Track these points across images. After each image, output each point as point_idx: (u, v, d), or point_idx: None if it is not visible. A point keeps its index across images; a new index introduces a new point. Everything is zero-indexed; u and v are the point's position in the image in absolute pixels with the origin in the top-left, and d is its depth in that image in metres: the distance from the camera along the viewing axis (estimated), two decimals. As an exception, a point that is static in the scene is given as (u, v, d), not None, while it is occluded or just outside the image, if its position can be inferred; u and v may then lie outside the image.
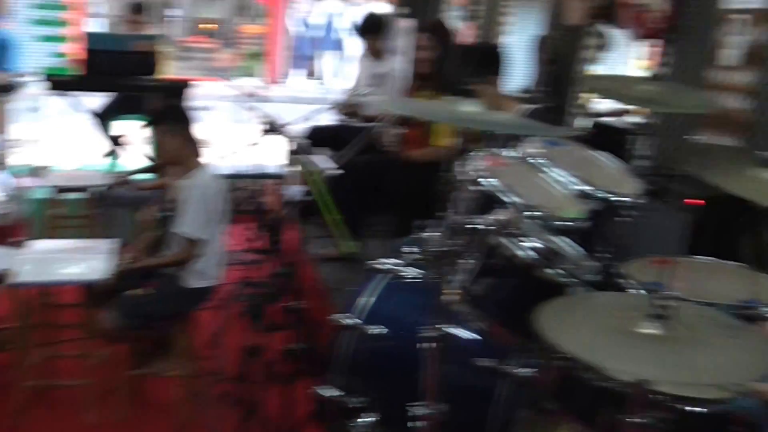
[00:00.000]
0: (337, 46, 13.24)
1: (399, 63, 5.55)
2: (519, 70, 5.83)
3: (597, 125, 5.12)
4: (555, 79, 5.29)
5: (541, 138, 2.64)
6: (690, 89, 3.65)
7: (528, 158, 2.52)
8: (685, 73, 4.00)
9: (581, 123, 5.12)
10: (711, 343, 1.49)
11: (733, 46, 3.60)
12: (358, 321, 2.38)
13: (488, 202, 2.16)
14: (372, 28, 5.47)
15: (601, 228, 2.58)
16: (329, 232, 3.59)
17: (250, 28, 14.17)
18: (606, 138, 4.86)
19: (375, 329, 2.38)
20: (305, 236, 4.94)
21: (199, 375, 3.49)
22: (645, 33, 4.23)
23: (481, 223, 1.97)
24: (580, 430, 1.91)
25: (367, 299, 2.48)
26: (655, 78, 2.97)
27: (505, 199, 2.16)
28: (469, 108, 1.67)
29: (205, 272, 3.38)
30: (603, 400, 1.81)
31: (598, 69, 5.24)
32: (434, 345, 1.81)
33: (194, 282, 3.35)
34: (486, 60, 3.34)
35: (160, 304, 3.30)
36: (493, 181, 2.19)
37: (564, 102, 5.33)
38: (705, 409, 1.77)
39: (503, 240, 1.92)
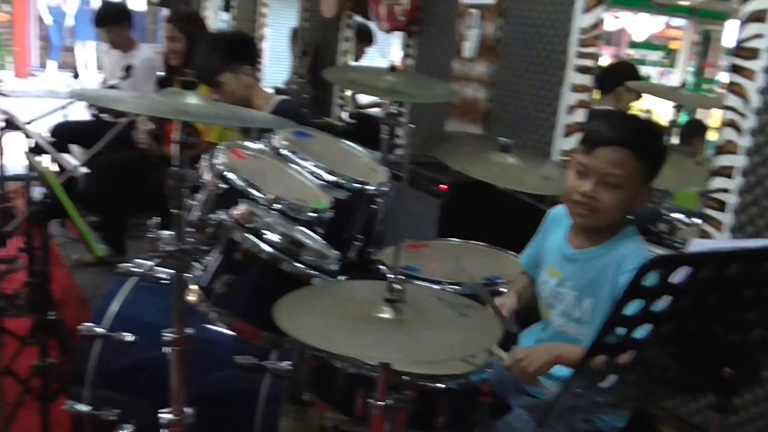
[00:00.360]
0: (95, 35, 12.53)
1: (149, 53, 5.35)
2: (278, 62, 5.87)
3: (359, 116, 5.26)
4: (311, 71, 5.37)
5: (291, 130, 2.66)
6: (432, 80, 3.84)
7: (276, 150, 2.53)
8: (430, 64, 4.21)
9: (343, 114, 5.24)
10: (441, 323, 1.56)
11: (470, 39, 3.82)
12: (104, 330, 2.26)
13: (232, 196, 2.13)
14: (109, 19, 5.19)
15: (352, 217, 2.65)
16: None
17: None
18: (366, 129, 5.03)
19: (124, 336, 2.27)
20: (60, 241, 4.68)
21: None
22: (394, 26, 4.39)
23: (223, 217, 1.94)
24: (337, 418, 1.95)
25: (115, 305, 2.36)
26: (394, 69, 3.07)
27: (248, 192, 2.15)
28: (192, 101, 1.62)
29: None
30: (355, 386, 1.86)
31: (356, 61, 5.39)
32: (177, 348, 1.75)
33: None
34: (234, 50, 3.25)
35: None
36: (236, 174, 2.17)
37: (323, 94, 5.42)
38: (450, 386, 1.88)
39: (246, 234, 1.90)
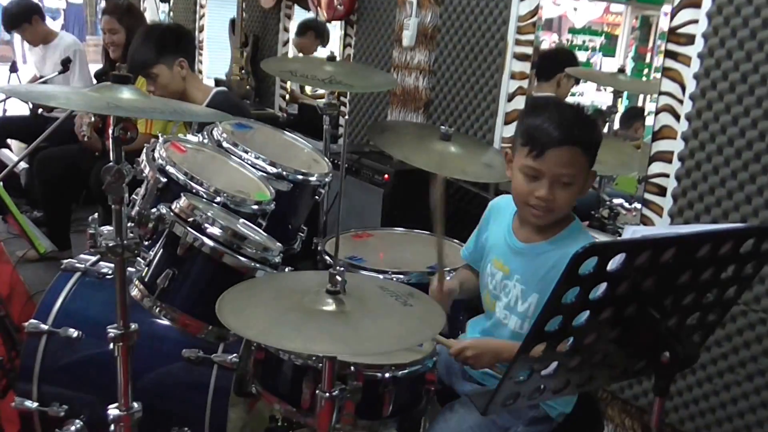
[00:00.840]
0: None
1: (71, 39, 5.23)
2: (218, 53, 5.80)
3: (300, 105, 5.23)
4: (251, 62, 5.32)
5: (231, 122, 2.64)
6: (371, 70, 3.84)
7: (217, 143, 2.51)
8: (370, 53, 4.21)
9: (283, 105, 5.21)
10: (384, 313, 1.57)
11: (409, 27, 3.82)
12: (49, 326, 2.23)
13: (173, 189, 2.11)
14: (17, 21, 5.07)
15: (295, 208, 2.65)
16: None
17: None
18: (307, 119, 5.01)
19: (69, 332, 2.25)
20: (2, 237, 4.56)
21: None
22: (333, 15, 4.37)
23: (163, 211, 1.91)
24: (285, 410, 1.95)
25: (60, 301, 2.33)
26: (333, 59, 3.06)
27: (189, 185, 2.13)
28: (126, 95, 1.59)
29: None
30: (302, 377, 1.86)
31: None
32: (121, 345, 1.73)
33: None
34: (168, 41, 3.20)
35: None
36: (176, 167, 2.14)
37: (262, 84, 5.38)
38: (397, 375, 1.89)
39: (187, 228, 1.88)
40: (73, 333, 2.25)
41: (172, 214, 1.89)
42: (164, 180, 2.09)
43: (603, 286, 1.28)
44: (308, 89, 5.51)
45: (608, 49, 4.50)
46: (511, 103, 3.32)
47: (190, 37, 3.34)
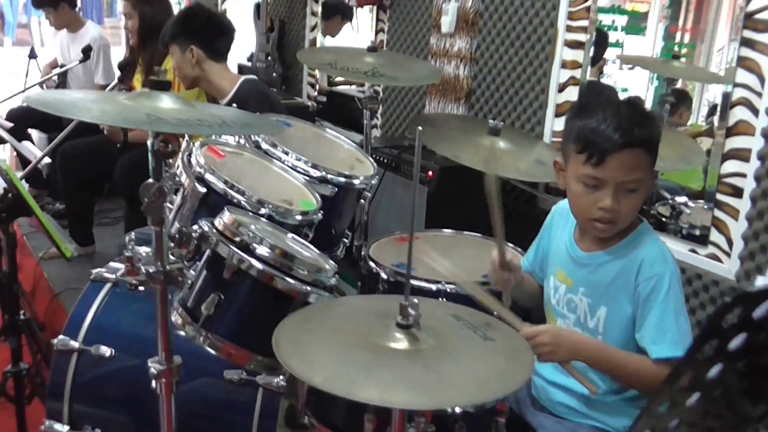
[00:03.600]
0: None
1: (97, 32, 5.07)
2: (242, 39, 5.58)
3: (329, 94, 5.02)
4: (277, 48, 5.11)
5: (270, 121, 2.45)
6: (413, 60, 3.63)
7: (256, 144, 2.32)
8: (405, 40, 3.99)
9: (312, 93, 5.00)
10: (465, 352, 1.38)
11: (448, 12, 3.61)
12: (80, 343, 2.07)
13: (213, 200, 1.92)
14: (45, 1, 4.93)
15: (340, 214, 2.46)
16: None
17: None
18: (338, 108, 4.81)
19: (101, 350, 2.08)
20: (26, 231, 4.43)
21: None
22: (365, 0, 4.15)
23: (206, 229, 1.72)
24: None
25: (90, 315, 2.17)
26: (375, 50, 2.86)
27: (230, 195, 1.94)
28: (167, 104, 1.39)
29: None
30: (362, 410, 1.67)
31: (332, 37, 5.15)
32: (164, 381, 1.55)
33: None
34: (187, 25, 3.04)
35: None
36: (215, 175, 1.95)
37: (290, 71, 5.17)
38: (467, 410, 1.70)
39: (232, 248, 1.69)
40: (105, 351, 2.10)
41: (215, 231, 1.70)
42: (203, 190, 1.90)
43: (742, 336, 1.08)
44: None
45: (635, 29, 4.25)
46: (562, 94, 3.09)
47: (216, 26, 3.14)
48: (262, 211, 1.94)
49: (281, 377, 1.97)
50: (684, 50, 3.71)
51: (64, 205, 4.34)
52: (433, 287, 2.28)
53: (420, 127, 1.34)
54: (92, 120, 1.26)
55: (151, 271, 1.46)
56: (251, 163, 2.23)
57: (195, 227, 1.71)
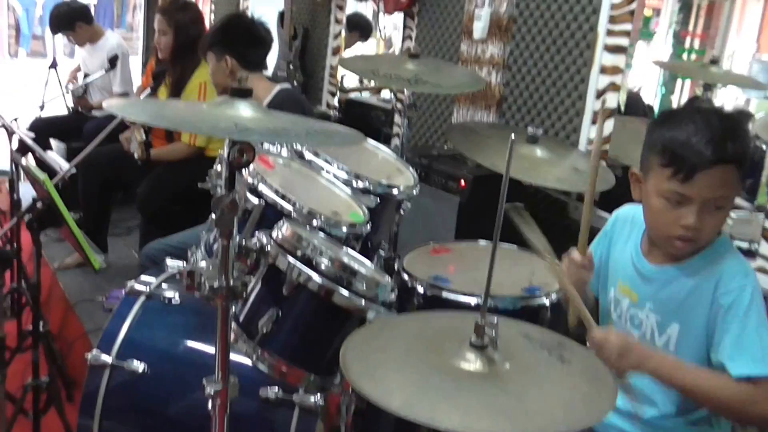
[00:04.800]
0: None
1: (117, 40, 5.02)
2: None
3: (348, 102, 4.97)
4: (300, 55, 5.06)
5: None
6: (454, 67, 3.56)
7: (299, 154, 2.25)
8: (435, 47, 3.93)
9: (333, 101, 4.94)
10: (544, 375, 1.31)
11: (480, 18, 3.54)
12: (113, 358, 1.99)
13: (265, 212, 1.85)
14: (62, 26, 4.92)
15: (379, 225, 2.38)
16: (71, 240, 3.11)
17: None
18: (356, 117, 4.74)
19: (134, 365, 2.01)
20: (42, 240, 4.37)
21: None
22: (394, 7, 4.08)
23: (264, 241, 1.65)
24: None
25: (122, 329, 2.09)
26: (416, 56, 2.79)
27: (283, 207, 1.87)
28: (248, 113, 1.32)
29: None
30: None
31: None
32: (219, 402, 1.47)
33: None
34: (224, 34, 3.02)
35: None
36: (268, 186, 1.88)
37: (310, 80, 5.11)
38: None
39: (292, 261, 1.61)
40: (139, 366, 2.02)
41: (274, 244, 1.62)
42: (261, 201, 1.82)
43: None
44: (348, 83, 5.25)
45: (643, 33, 4.19)
46: (601, 100, 3.02)
47: (252, 37, 3.10)
48: (314, 222, 1.87)
49: (319, 396, 1.88)
50: (693, 56, 3.65)
51: (80, 215, 4.27)
52: (472, 301, 2.21)
53: (513, 135, 1.26)
54: (175, 128, 1.19)
55: (215, 285, 1.39)
56: (299, 173, 2.16)
57: (254, 240, 1.64)
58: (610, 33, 2.96)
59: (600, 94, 3.01)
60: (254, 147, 1.28)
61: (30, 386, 2.61)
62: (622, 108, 3.10)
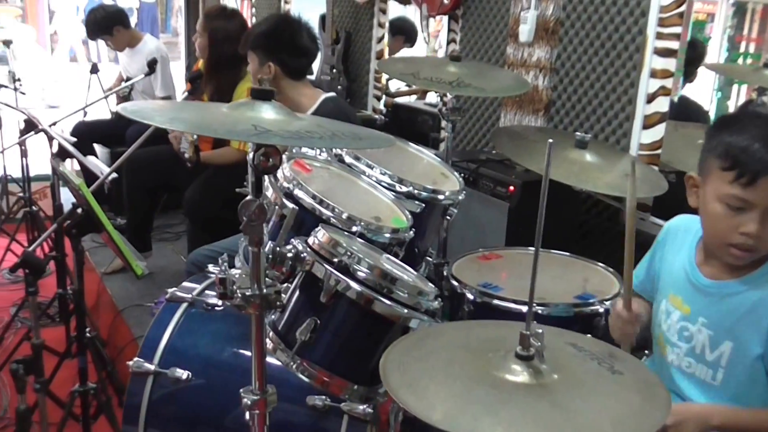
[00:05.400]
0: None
1: (155, 44, 5.06)
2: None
3: (394, 106, 4.93)
4: (343, 60, 5.03)
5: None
6: (498, 70, 3.50)
7: (339, 157, 2.22)
8: (479, 50, 3.87)
9: (378, 105, 4.90)
10: (593, 387, 1.25)
11: (526, 21, 3.48)
12: (152, 366, 1.98)
13: (302, 218, 1.82)
14: (98, 32, 4.94)
15: (425, 231, 2.34)
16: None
17: (5, 10, 12.83)
18: (403, 121, 4.70)
19: (175, 373, 1.99)
20: (88, 246, 4.42)
21: None
22: (437, 10, 4.04)
23: (300, 248, 1.62)
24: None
25: (164, 336, 2.09)
26: (458, 59, 2.74)
27: (321, 212, 1.83)
28: (270, 115, 1.29)
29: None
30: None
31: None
32: (258, 412, 1.44)
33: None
34: (266, 37, 2.96)
35: None
36: (306, 191, 1.85)
37: (354, 84, 5.09)
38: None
39: (329, 268, 1.58)
40: (182, 374, 2.01)
41: (310, 251, 1.59)
42: (291, 206, 1.79)
43: None
44: (392, 87, 5.22)
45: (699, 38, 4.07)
46: (651, 105, 2.94)
47: (298, 46, 3.04)
48: (354, 228, 1.83)
49: (368, 404, 1.85)
50: (749, 60, 3.53)
51: (125, 220, 4.31)
52: (524, 308, 2.15)
53: (551, 140, 1.21)
54: (192, 131, 1.16)
55: (247, 294, 1.36)
56: (338, 177, 2.13)
57: (288, 247, 1.61)
58: (659, 36, 2.88)
59: (650, 98, 2.93)
60: (280, 151, 1.25)
61: (77, 392, 2.62)
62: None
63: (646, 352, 2.04)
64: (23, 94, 4.91)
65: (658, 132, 2.94)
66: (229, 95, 3.70)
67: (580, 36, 3.23)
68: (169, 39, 13.75)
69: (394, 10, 4.91)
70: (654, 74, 2.92)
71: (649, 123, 2.96)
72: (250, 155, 1.29)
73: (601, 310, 2.21)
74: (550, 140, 1.19)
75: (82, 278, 2.61)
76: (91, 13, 5.02)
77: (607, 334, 2.18)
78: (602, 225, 3.18)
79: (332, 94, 3.05)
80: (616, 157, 2.86)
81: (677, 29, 2.84)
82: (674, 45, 2.86)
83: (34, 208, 4.59)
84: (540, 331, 1.26)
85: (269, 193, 1.88)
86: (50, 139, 3.24)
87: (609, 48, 3.10)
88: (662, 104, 2.92)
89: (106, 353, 3.37)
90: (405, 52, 5.23)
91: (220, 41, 3.76)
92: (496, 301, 2.23)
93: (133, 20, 14.01)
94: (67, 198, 2.90)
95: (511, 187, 2.97)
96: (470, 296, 2.28)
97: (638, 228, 2.98)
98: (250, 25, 4.32)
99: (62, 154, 3.26)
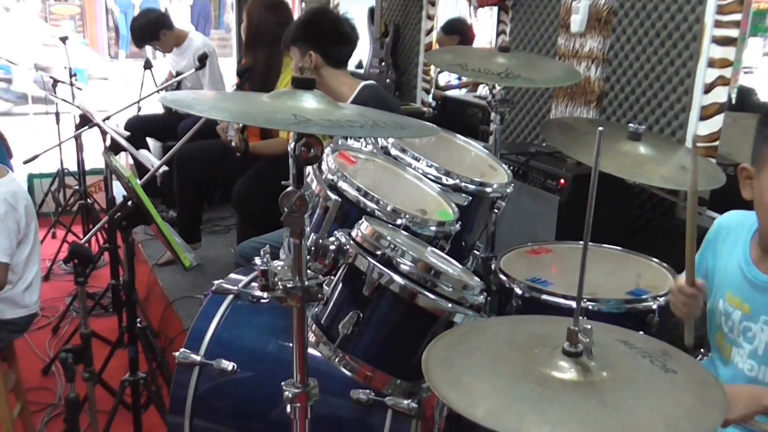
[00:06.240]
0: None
1: (201, 40, 5.08)
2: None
3: (443, 99, 4.88)
4: (391, 53, 5.00)
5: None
6: (548, 60, 3.44)
7: (385, 150, 2.19)
8: (529, 41, 3.80)
9: (427, 98, 4.86)
10: (645, 386, 1.20)
11: (578, 11, 3.40)
12: (198, 357, 1.99)
13: (346, 210, 1.80)
14: (145, 39, 4.96)
15: (473, 225, 2.30)
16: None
17: (64, 9, 13.11)
18: (452, 114, 4.65)
19: (221, 364, 1.99)
20: (140, 239, 4.48)
21: (29, 413, 3.09)
22: (486, 1, 3.98)
23: (343, 240, 1.59)
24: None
25: (210, 328, 2.08)
26: (507, 50, 2.68)
27: (365, 205, 1.81)
28: (312, 104, 1.26)
29: (16, 299, 2.84)
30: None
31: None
32: (299, 405, 1.42)
33: (5, 312, 2.81)
34: (305, 29, 2.96)
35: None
36: (350, 183, 1.82)
37: (403, 77, 5.06)
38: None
39: (372, 261, 1.55)
40: (227, 365, 2.01)
41: (353, 243, 1.56)
42: (335, 198, 1.77)
43: None
44: (441, 80, 5.18)
45: (759, 28, 3.92)
46: (709, 95, 2.85)
47: (338, 34, 3.03)
48: (398, 221, 1.80)
49: (412, 399, 1.82)
50: None
51: (176, 213, 4.36)
52: (573, 304, 2.10)
53: (601, 128, 1.16)
54: (233, 120, 1.14)
55: (289, 286, 1.34)
56: (383, 170, 2.10)
57: (331, 239, 1.59)
58: (718, 24, 2.78)
59: (708, 88, 2.84)
60: (322, 141, 1.22)
61: (128, 382, 2.66)
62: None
63: (702, 350, 1.98)
64: (79, 89, 5.00)
65: (715, 123, 2.85)
66: (266, 74, 3.75)
67: (634, 25, 3.14)
68: (222, 35, 13.90)
69: (444, 3, 4.86)
70: (712, 64, 2.82)
71: (706, 114, 2.87)
72: (291, 145, 1.26)
73: (655, 306, 2.14)
74: (600, 128, 1.15)
75: (134, 270, 2.63)
76: (135, 22, 5.04)
77: (660, 332, 2.12)
78: (656, 219, 3.09)
79: (371, 81, 3.03)
80: (671, 150, 2.78)
81: (737, 17, 2.74)
82: (734, 33, 2.76)
83: (89, 200, 4.68)
84: (589, 326, 1.21)
85: (313, 185, 1.86)
86: (104, 133, 3.29)
87: (664, 37, 3.01)
88: (720, 95, 2.82)
89: (157, 344, 3.41)
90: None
91: (258, 28, 3.78)
92: (545, 296, 2.19)
93: (186, 17, 14.19)
94: (119, 191, 2.94)
95: (562, 180, 2.91)
96: (518, 291, 2.24)
97: (681, 218, 2.93)
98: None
99: (115, 148, 3.31)
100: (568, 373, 1.20)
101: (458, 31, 5.08)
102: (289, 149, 1.28)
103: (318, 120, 1.21)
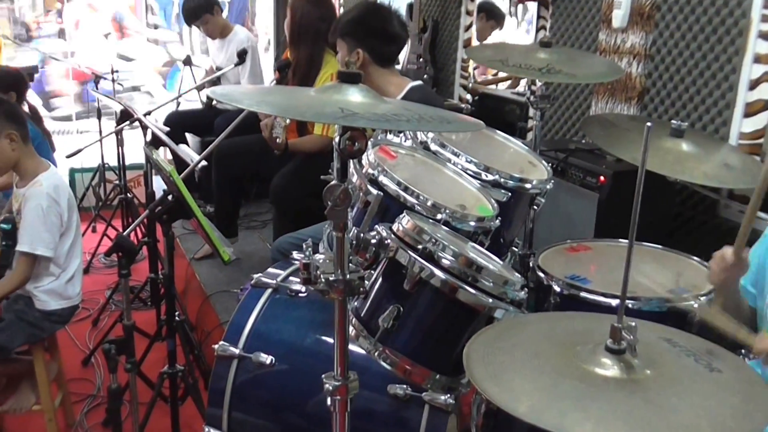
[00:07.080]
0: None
1: (245, 34, 5.11)
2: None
3: (481, 95, 4.85)
4: (430, 49, 4.98)
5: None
6: (589, 55, 3.40)
7: (424, 145, 2.19)
8: (570, 36, 3.77)
9: (465, 94, 4.84)
10: (690, 384, 1.18)
11: (620, 6, 3.36)
12: (237, 350, 2.00)
13: (387, 204, 1.80)
14: (193, 16, 5.00)
15: (511, 221, 2.29)
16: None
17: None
18: (489, 110, 4.62)
19: (259, 357, 2.00)
20: (179, 233, 4.53)
21: (70, 403, 3.17)
22: (526, -5, 3.96)
23: (384, 234, 1.59)
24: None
25: (249, 321, 2.10)
26: (548, 45, 2.66)
27: (405, 199, 1.80)
28: (357, 98, 1.27)
29: (59, 291, 2.88)
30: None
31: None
32: (339, 398, 1.43)
33: (49, 303, 2.85)
34: (354, 25, 2.92)
35: (11, 332, 2.79)
36: (390, 178, 1.82)
37: (441, 73, 5.04)
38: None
39: (413, 255, 1.55)
40: (266, 359, 2.02)
41: (395, 237, 1.56)
42: (376, 192, 1.77)
43: None
44: (478, 76, 5.15)
45: None
46: (754, 92, 2.80)
47: (388, 34, 2.99)
48: (438, 216, 1.80)
49: (450, 394, 1.81)
50: None
51: (214, 208, 4.39)
52: (613, 302, 2.09)
53: (649, 123, 1.15)
54: (280, 114, 1.15)
55: (331, 279, 1.34)
56: (423, 165, 2.09)
57: (373, 233, 1.59)
58: (765, 19, 2.73)
59: (753, 84, 2.79)
60: (366, 135, 1.22)
61: (166, 374, 2.69)
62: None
63: (743, 351, 1.94)
64: (120, 85, 5.06)
65: (760, 120, 2.80)
66: (307, 70, 3.75)
67: (678, 20, 3.10)
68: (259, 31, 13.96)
69: (483, -2, 4.85)
70: (758, 59, 2.77)
71: (751, 111, 2.82)
72: (336, 139, 1.27)
73: (695, 305, 2.11)
74: (649, 123, 1.13)
75: (173, 263, 2.66)
76: (186, 2, 5.13)
77: (702, 331, 2.09)
78: (698, 217, 3.05)
79: (419, 82, 3.00)
80: (714, 147, 2.73)
81: (785, 11, 2.69)
82: (781, 28, 2.71)
83: (129, 195, 4.75)
84: (633, 324, 1.20)
85: (354, 179, 1.86)
86: (144, 128, 3.33)
87: (709, 32, 2.96)
88: (766, 91, 2.77)
89: (194, 337, 3.45)
90: (497, 36, 5.15)
91: (300, 23, 3.79)
92: (584, 294, 2.16)
93: (224, 12, 14.28)
94: (159, 186, 2.97)
95: (602, 177, 2.88)
96: (557, 288, 2.21)
97: (724, 216, 2.88)
98: (338, 12, 4.31)
99: (155, 143, 3.34)
100: (611, 371, 1.19)
101: (492, 16, 5.09)
102: (333, 143, 1.28)
103: (364, 113, 1.21)
